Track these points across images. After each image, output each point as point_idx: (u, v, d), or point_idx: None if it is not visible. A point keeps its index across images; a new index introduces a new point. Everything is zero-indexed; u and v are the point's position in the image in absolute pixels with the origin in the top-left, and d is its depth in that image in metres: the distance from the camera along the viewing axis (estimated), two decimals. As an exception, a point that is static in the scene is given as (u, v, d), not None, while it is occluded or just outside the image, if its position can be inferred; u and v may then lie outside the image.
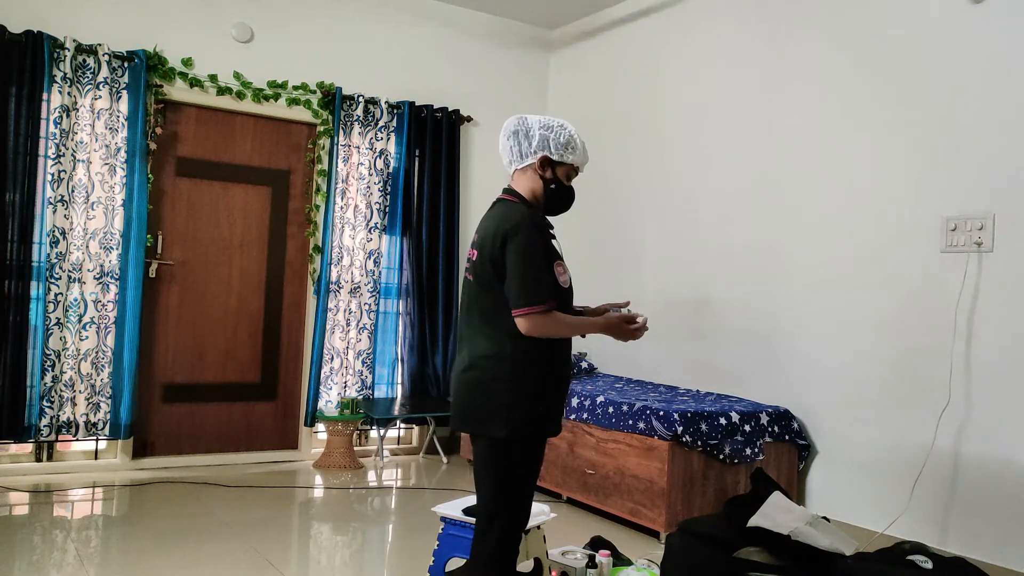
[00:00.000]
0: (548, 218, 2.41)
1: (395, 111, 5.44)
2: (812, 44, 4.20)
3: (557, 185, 2.36)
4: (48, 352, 4.41)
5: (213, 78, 4.92)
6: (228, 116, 5.07)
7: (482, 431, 2.27)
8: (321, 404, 5.21)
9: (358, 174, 5.34)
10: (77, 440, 4.61)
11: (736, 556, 2.81)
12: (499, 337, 2.25)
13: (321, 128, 5.25)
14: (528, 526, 2.89)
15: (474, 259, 2.32)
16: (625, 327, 2.37)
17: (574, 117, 5.93)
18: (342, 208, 5.29)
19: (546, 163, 2.34)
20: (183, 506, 4.05)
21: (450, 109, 5.64)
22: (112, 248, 4.60)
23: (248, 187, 5.14)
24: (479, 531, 2.34)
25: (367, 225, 5.34)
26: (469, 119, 5.76)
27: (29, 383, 4.37)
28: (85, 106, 4.52)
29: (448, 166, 5.62)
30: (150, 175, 4.70)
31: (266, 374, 5.19)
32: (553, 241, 2.34)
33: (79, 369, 4.53)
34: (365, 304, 5.33)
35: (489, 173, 5.93)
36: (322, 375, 5.21)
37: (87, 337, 4.54)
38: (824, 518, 2.99)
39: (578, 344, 5.61)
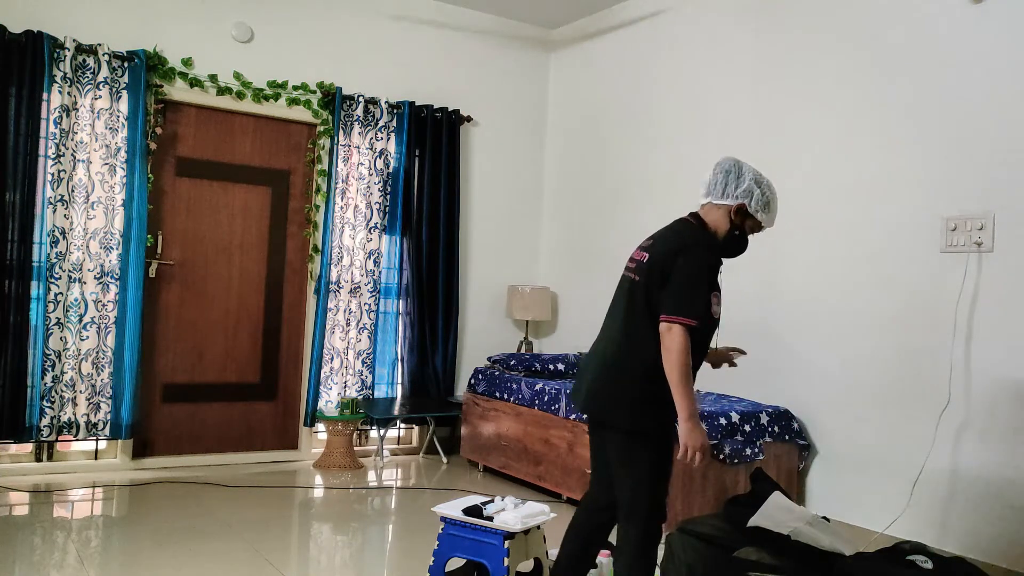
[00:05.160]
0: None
1: (395, 111, 5.44)
2: (812, 44, 4.20)
3: (740, 234, 2.52)
4: (48, 352, 4.41)
5: (213, 78, 4.92)
6: (228, 116, 5.07)
7: (612, 420, 2.45)
8: (321, 404, 5.21)
9: (358, 174, 5.34)
10: (77, 440, 4.61)
11: (736, 556, 2.81)
12: (649, 338, 2.39)
13: (321, 128, 5.25)
14: (528, 526, 2.90)
15: (644, 261, 2.46)
16: (703, 448, 2.35)
17: (574, 117, 5.94)
18: (342, 208, 5.29)
19: (741, 211, 2.48)
20: (183, 506, 4.06)
21: (450, 109, 5.64)
22: (112, 248, 4.60)
23: (248, 187, 5.14)
24: (621, 536, 2.48)
25: (367, 225, 5.34)
26: (469, 119, 5.76)
27: (29, 383, 4.37)
28: (85, 106, 4.52)
29: (448, 166, 5.62)
30: (150, 175, 4.70)
31: (266, 374, 5.19)
32: (719, 277, 2.48)
33: (79, 369, 4.53)
34: (365, 304, 5.33)
35: (489, 173, 5.93)
36: (322, 375, 5.21)
37: (87, 337, 4.54)
38: (824, 518, 2.99)
39: (576, 344, 5.61)
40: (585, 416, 2.70)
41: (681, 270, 2.35)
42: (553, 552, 3.16)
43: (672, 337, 2.31)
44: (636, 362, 2.41)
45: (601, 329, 2.62)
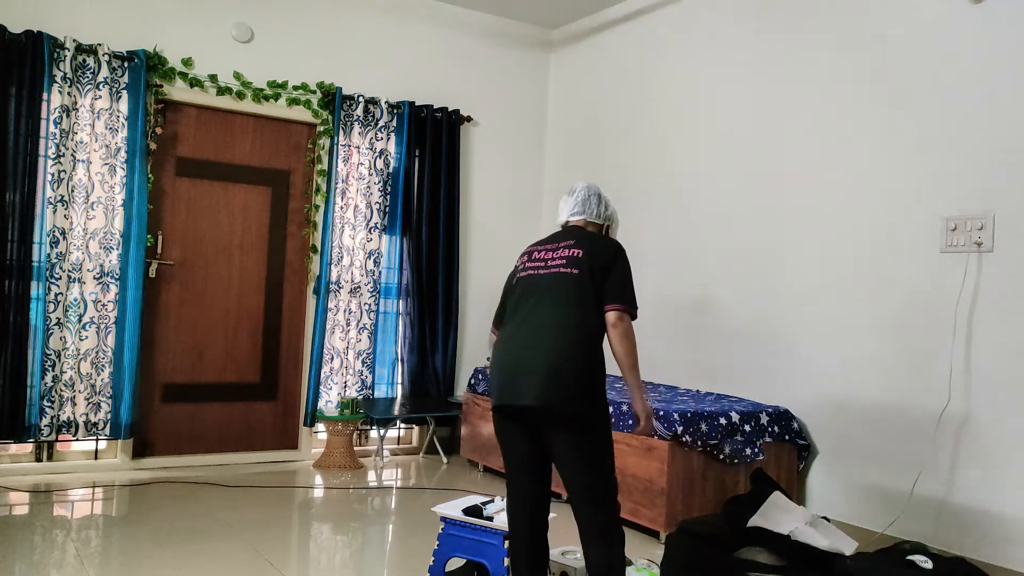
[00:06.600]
0: None
1: (395, 111, 5.44)
2: (812, 44, 4.20)
3: None
4: (48, 352, 4.41)
5: (213, 78, 4.93)
6: (228, 116, 5.07)
7: (584, 410, 2.48)
8: (321, 404, 5.21)
9: (358, 174, 5.34)
10: (77, 440, 4.61)
11: (736, 556, 2.81)
12: (593, 327, 2.54)
13: (321, 128, 5.25)
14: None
15: (578, 257, 2.59)
16: (647, 425, 2.64)
17: (574, 117, 5.94)
18: (342, 208, 5.29)
19: (607, 229, 2.84)
20: (183, 506, 4.06)
21: (450, 109, 5.64)
22: (112, 248, 4.61)
23: (248, 187, 5.14)
24: (592, 522, 2.49)
25: (367, 225, 5.34)
26: (469, 119, 5.76)
27: (29, 383, 4.37)
28: (85, 106, 4.52)
29: (448, 166, 5.62)
30: (150, 175, 4.70)
31: (266, 374, 5.20)
32: None
33: (79, 369, 4.53)
34: (365, 304, 5.33)
35: (489, 173, 5.93)
36: (322, 375, 5.21)
37: (87, 337, 4.54)
38: (824, 518, 3.00)
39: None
40: (509, 410, 2.58)
41: (622, 268, 2.60)
42: (553, 552, 3.16)
43: (626, 324, 2.54)
44: (595, 351, 2.54)
45: (524, 319, 2.58)
